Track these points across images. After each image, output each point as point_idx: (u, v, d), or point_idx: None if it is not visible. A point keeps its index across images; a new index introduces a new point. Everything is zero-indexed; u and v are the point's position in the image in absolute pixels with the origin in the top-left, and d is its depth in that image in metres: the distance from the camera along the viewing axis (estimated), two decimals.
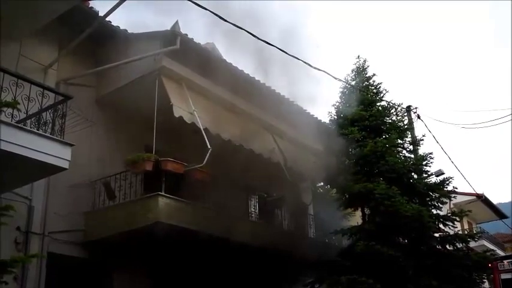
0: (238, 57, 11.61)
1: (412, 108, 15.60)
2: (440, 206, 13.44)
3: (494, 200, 32.03)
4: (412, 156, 14.01)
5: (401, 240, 12.81)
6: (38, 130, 7.88)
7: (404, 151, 14.10)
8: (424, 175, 13.46)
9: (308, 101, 13.56)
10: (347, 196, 12.93)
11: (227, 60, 11.55)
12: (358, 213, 13.62)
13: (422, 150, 14.23)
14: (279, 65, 11.27)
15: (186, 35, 10.39)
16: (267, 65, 11.56)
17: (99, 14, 10.12)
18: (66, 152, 7.97)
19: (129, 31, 11.03)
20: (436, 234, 12.96)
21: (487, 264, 12.68)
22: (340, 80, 13.77)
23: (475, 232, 15.54)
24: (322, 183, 15.01)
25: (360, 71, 14.81)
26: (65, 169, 8.07)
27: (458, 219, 13.42)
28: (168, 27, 10.27)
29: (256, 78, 12.00)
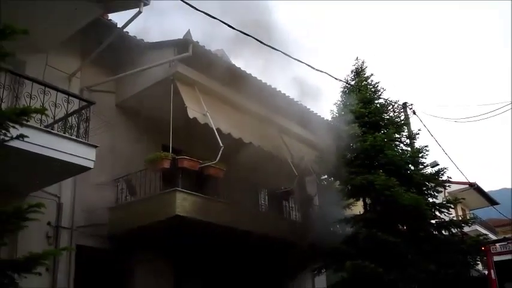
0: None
1: (408, 104, 15.50)
2: (436, 194, 13.34)
3: (486, 188, 31.84)
4: (409, 149, 13.91)
5: (400, 227, 12.74)
6: (64, 133, 7.94)
7: (401, 145, 13.99)
8: (421, 166, 13.36)
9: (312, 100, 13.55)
10: (349, 187, 12.85)
11: (236, 65, 11.54)
12: (360, 203, 13.54)
13: (418, 143, 14.15)
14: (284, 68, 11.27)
15: (198, 42, 10.39)
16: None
17: (118, 26, 10.15)
18: (90, 153, 8.02)
19: (145, 40, 11.05)
20: (433, 221, 12.87)
21: (480, 248, 12.59)
22: (341, 80, 13.71)
23: (468, 218, 15.41)
24: (326, 176, 14.93)
25: (359, 72, 14.71)
26: (90, 168, 8.14)
27: (452, 206, 13.31)
28: (181, 36, 10.30)
29: (263, 81, 11.98)
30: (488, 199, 31.91)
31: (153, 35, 10.91)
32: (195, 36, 10.35)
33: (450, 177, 13.64)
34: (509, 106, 16.48)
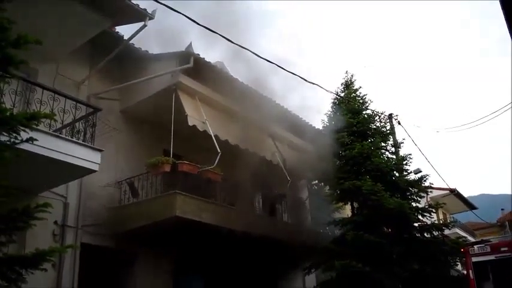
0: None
1: (393, 115, 15.55)
2: (419, 199, 13.37)
3: (465, 194, 31.93)
4: (394, 157, 13.95)
5: (385, 229, 12.75)
6: (72, 138, 7.90)
7: (387, 153, 14.03)
8: (405, 173, 13.40)
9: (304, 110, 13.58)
10: (338, 192, 12.87)
11: (234, 76, 11.55)
12: (348, 206, 13.56)
13: (402, 151, 14.21)
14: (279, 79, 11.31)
15: (199, 54, 10.40)
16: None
17: (124, 38, 10.15)
18: (96, 157, 7.99)
19: (149, 52, 11.06)
20: (416, 224, 12.90)
21: (459, 249, 12.62)
22: (331, 92, 13.78)
23: (449, 222, 15.47)
24: (316, 181, 14.94)
25: (348, 84, 14.77)
26: (95, 171, 8.10)
27: (434, 210, 13.35)
28: (183, 48, 10.32)
29: (259, 91, 11.99)
30: (468, 204, 31.98)
31: (157, 47, 10.92)
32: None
33: (432, 184, 13.72)
34: (489, 117, 16.56)
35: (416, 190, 13.16)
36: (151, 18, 9.23)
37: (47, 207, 5.26)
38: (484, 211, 32.85)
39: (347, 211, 13.72)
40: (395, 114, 15.58)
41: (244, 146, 11.47)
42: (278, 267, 13.86)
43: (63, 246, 8.10)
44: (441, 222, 16.89)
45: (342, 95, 14.55)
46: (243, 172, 11.68)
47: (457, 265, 14.60)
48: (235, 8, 10.01)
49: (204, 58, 10.60)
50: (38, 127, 6.25)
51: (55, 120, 6.99)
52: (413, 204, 13.08)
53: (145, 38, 10.19)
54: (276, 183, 13.15)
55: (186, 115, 10.06)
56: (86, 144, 7.99)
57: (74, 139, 7.89)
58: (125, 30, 10.25)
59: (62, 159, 7.37)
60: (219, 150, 9.96)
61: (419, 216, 12.92)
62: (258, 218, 12.28)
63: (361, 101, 14.35)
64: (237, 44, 8.85)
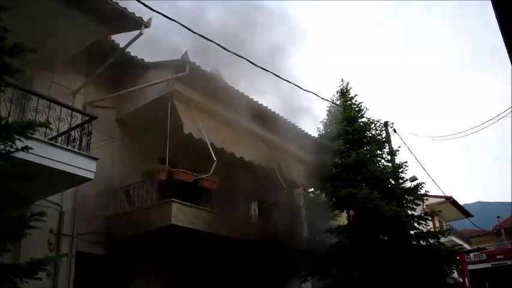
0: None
1: (389, 123, 15.60)
2: (415, 207, 13.40)
3: (461, 201, 32.05)
4: (390, 164, 13.99)
5: (381, 237, 12.76)
6: (67, 146, 7.90)
7: (383, 160, 14.07)
8: (400, 181, 13.43)
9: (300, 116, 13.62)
10: (334, 200, 12.88)
11: (229, 84, 11.59)
12: (344, 214, 13.56)
13: (398, 159, 14.25)
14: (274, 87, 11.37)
15: (194, 62, 10.44)
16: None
17: (120, 46, 10.19)
18: (91, 165, 7.99)
19: (145, 60, 11.09)
20: (412, 232, 12.92)
21: (455, 257, 12.64)
22: (327, 100, 13.82)
23: (444, 229, 15.47)
24: (312, 189, 14.95)
25: (344, 92, 14.84)
26: (91, 179, 8.09)
27: (430, 218, 13.39)
28: (179, 56, 10.35)
29: (255, 99, 12.03)
30: (464, 211, 32.07)
31: (153, 54, 10.96)
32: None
33: (428, 191, 13.76)
34: (485, 125, 16.64)
35: (412, 198, 13.20)
36: (147, 27, 9.27)
37: (42, 216, 5.27)
38: (480, 219, 32.93)
39: (343, 219, 13.72)
40: (390, 122, 15.66)
41: (240, 154, 11.49)
42: (274, 275, 13.82)
43: (59, 255, 8.09)
44: (437, 229, 16.92)
45: (338, 102, 14.62)
46: (239, 180, 11.69)
47: (453, 273, 14.59)
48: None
49: (200, 66, 10.64)
50: (34, 135, 6.25)
51: (50, 129, 7.01)
52: (409, 211, 13.10)
53: (141, 45, 10.25)
54: (272, 191, 13.15)
55: (182, 123, 10.08)
56: (82, 152, 7.99)
57: (70, 147, 7.89)
58: (120, 39, 10.28)
59: (57, 167, 7.37)
60: (214, 158, 9.99)
61: (415, 224, 12.94)
62: (253, 225, 12.27)
63: (356, 108, 14.42)
64: (232, 53, 8.90)
